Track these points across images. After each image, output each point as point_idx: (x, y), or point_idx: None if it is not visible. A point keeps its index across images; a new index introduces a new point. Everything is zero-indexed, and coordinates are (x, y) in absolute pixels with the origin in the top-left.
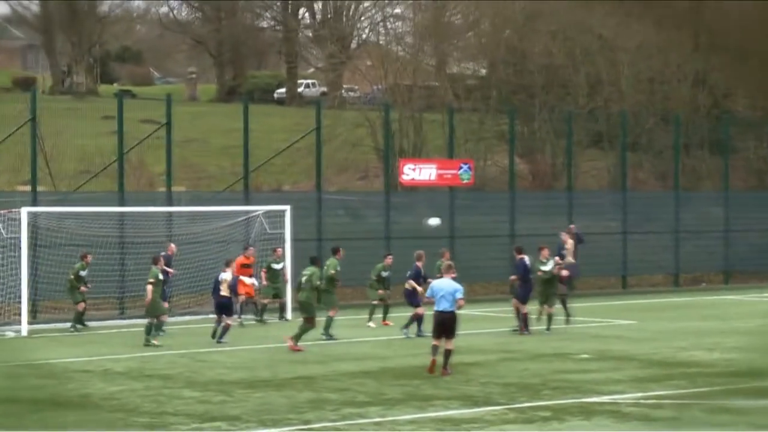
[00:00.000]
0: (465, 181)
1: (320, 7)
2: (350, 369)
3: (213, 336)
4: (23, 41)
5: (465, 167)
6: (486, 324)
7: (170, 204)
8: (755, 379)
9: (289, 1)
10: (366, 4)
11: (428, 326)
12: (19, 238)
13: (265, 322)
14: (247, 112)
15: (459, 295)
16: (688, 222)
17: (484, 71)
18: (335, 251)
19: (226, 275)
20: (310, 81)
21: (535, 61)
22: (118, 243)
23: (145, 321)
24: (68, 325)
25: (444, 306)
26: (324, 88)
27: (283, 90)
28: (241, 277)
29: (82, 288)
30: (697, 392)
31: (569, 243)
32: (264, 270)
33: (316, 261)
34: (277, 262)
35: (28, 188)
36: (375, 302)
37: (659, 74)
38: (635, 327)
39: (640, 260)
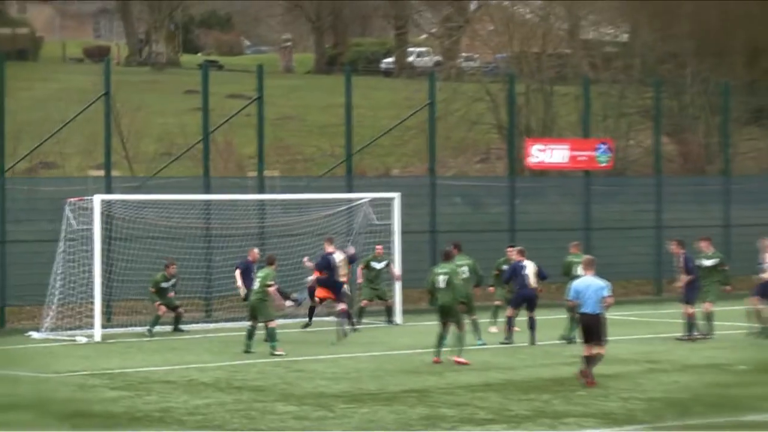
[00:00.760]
0: (603, 164)
1: None
2: (469, 381)
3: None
4: (95, 6)
5: (603, 148)
6: (627, 329)
7: (262, 191)
8: None
9: None
10: None
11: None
12: (91, 230)
13: (358, 329)
14: (349, 85)
15: (605, 293)
16: None
17: (625, 37)
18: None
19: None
20: (422, 49)
21: (685, 25)
22: (203, 236)
23: (246, 324)
24: (145, 329)
25: (589, 308)
26: (438, 57)
27: (390, 60)
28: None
29: (170, 294)
30: None
31: None
32: (361, 267)
33: (449, 255)
34: (378, 261)
35: (101, 173)
36: (498, 303)
37: None
38: None
39: None
